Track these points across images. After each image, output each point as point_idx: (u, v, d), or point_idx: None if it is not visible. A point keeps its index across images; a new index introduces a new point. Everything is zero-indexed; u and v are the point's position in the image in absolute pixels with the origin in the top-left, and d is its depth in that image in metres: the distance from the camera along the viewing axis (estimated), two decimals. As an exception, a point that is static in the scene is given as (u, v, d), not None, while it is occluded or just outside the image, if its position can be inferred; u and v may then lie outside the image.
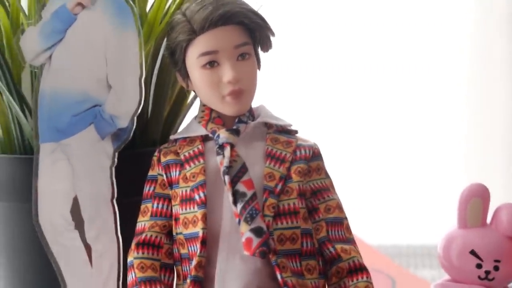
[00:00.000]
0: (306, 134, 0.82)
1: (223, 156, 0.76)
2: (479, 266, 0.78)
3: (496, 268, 0.78)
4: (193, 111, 0.86)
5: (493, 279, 0.78)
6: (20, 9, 0.86)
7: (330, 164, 0.82)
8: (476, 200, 0.79)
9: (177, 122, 0.91)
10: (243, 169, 0.76)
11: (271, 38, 0.80)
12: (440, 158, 1.48)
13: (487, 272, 0.78)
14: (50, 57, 0.82)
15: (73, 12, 0.82)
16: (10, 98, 0.86)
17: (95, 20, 0.81)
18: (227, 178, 0.75)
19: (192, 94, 0.90)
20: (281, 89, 1.44)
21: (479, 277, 0.78)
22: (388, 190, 1.49)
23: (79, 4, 0.82)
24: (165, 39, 0.81)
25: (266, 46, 0.80)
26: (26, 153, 0.87)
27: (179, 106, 0.91)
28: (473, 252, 0.78)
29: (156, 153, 0.81)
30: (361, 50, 1.47)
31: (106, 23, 0.81)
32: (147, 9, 0.87)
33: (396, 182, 1.49)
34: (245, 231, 0.74)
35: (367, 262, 0.78)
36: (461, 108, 1.47)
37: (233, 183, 0.75)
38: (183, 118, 0.91)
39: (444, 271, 0.81)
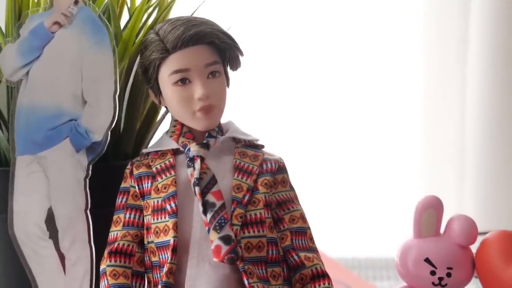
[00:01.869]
0: (271, 148, 0.87)
1: (194, 169, 0.80)
2: (433, 273, 0.83)
3: (448, 275, 0.83)
4: (164, 126, 0.91)
5: (445, 285, 0.83)
6: (-2, 27, 0.90)
7: (292, 179, 0.86)
8: (430, 211, 0.84)
9: (148, 137, 0.95)
10: (213, 181, 0.80)
11: (240, 57, 0.84)
12: (397, 177, 1.53)
13: (441, 279, 0.83)
14: (27, 73, 0.86)
15: (50, 31, 0.85)
16: (-13, 112, 0.89)
17: (72, 38, 0.85)
18: (197, 189, 0.79)
19: (162, 109, 0.94)
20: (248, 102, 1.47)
21: (433, 283, 0.83)
22: (347, 206, 1.53)
23: (56, 23, 0.85)
24: (139, 57, 0.86)
25: (235, 65, 0.84)
26: (1, 166, 0.90)
27: (150, 121, 0.94)
28: (427, 260, 0.83)
29: (128, 166, 0.84)
30: (318, 66, 1.51)
31: (82, 41, 0.85)
32: (122, 28, 0.91)
33: (355, 199, 1.53)
34: (215, 239, 0.78)
35: (328, 273, 0.82)
36: (416, 126, 1.52)
37: (203, 194, 0.79)
38: (154, 133, 0.95)
39: (400, 279, 0.86)
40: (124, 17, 0.94)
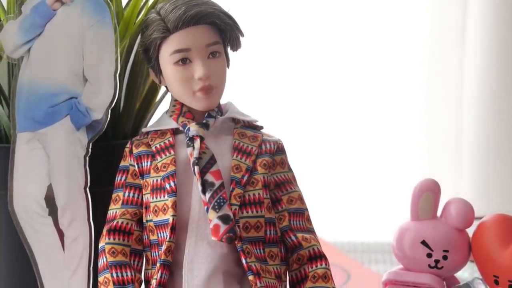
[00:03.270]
0: (269, 129, 0.87)
1: (193, 148, 0.81)
2: (429, 255, 0.84)
3: (445, 258, 0.83)
4: (163, 106, 0.91)
5: (442, 267, 0.84)
6: (0, 6, 0.90)
7: (290, 163, 0.86)
8: (427, 194, 0.84)
9: (148, 116, 0.95)
10: (212, 161, 0.80)
11: (240, 38, 0.84)
12: (394, 161, 1.54)
13: (437, 261, 0.84)
14: (28, 50, 0.86)
15: (52, 8, 0.85)
16: (-12, 89, 0.90)
17: (74, 16, 0.85)
18: (196, 168, 0.80)
19: (162, 89, 0.95)
20: (249, 87, 1.48)
21: (429, 265, 0.84)
22: (344, 190, 1.54)
23: (58, 0, 0.85)
24: (140, 36, 0.86)
25: (236, 45, 0.84)
26: (2, 142, 0.90)
27: (150, 100, 0.95)
28: (424, 243, 0.84)
29: (128, 145, 0.85)
30: (323, 52, 1.51)
31: (84, 19, 0.85)
32: (123, 7, 0.91)
33: (352, 183, 1.54)
34: (213, 218, 0.78)
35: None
36: (415, 111, 1.53)
37: (202, 173, 0.80)
38: (153, 113, 0.95)
39: (396, 262, 0.87)
40: (126, -4, 0.94)
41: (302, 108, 1.53)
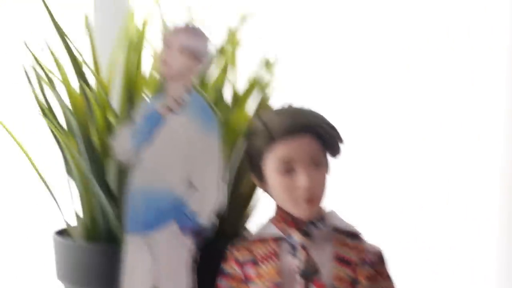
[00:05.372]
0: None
1: (297, 258, 0.82)
2: None
3: None
4: (263, 209, 0.93)
5: None
6: (112, 110, 0.94)
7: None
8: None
9: (248, 220, 0.97)
10: (316, 271, 0.82)
11: (340, 145, 0.86)
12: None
13: None
14: (139, 154, 0.89)
15: (161, 115, 0.89)
16: (98, 188, 0.93)
17: (182, 124, 0.88)
18: (300, 279, 0.81)
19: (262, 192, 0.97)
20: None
21: None
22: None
23: (168, 108, 0.89)
24: (244, 144, 0.88)
25: (336, 152, 0.86)
26: (109, 241, 0.94)
27: (252, 204, 0.97)
28: None
29: (231, 250, 0.87)
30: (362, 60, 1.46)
31: (192, 128, 0.87)
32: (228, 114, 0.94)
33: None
34: (317, 329, 0.80)
35: None
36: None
37: (306, 284, 0.81)
38: (252, 216, 0.98)
39: None
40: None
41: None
